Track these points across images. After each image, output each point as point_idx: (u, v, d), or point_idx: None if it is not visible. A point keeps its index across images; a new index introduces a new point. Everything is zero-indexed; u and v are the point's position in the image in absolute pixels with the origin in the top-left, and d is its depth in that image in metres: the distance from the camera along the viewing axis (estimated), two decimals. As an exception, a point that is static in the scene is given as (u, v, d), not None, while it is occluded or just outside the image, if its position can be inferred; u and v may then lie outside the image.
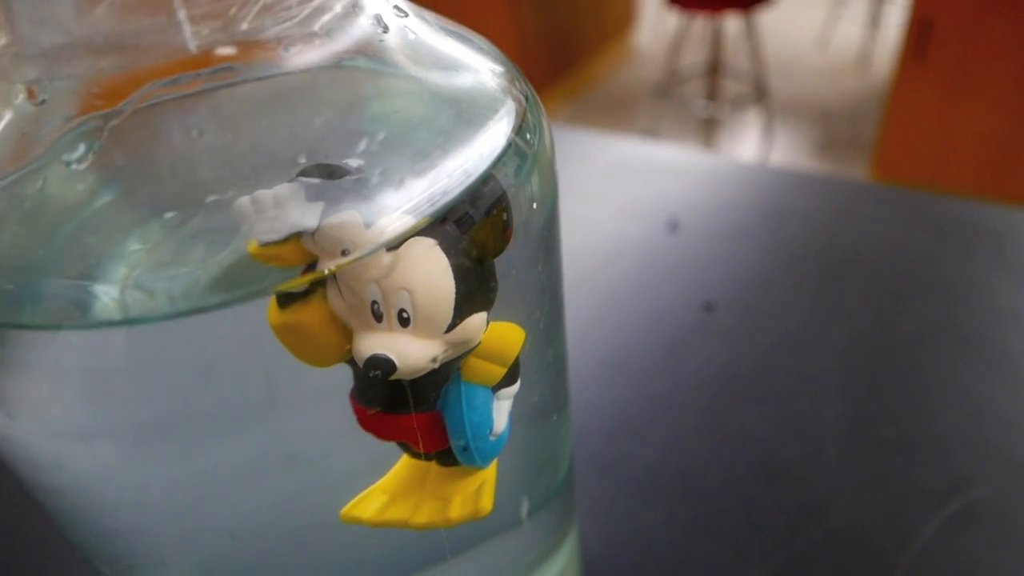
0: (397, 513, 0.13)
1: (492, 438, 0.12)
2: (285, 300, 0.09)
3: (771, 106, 2.14)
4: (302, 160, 0.10)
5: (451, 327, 0.10)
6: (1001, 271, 0.39)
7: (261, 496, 0.14)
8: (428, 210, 0.10)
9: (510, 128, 0.13)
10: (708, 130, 2.10)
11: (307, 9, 0.10)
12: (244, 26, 0.10)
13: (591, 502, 0.28)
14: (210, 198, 0.11)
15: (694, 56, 2.41)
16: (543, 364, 0.17)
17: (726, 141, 2.07)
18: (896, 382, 0.32)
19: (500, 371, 0.11)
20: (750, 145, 2.03)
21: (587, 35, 2.37)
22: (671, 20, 2.66)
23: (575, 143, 0.55)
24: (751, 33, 1.91)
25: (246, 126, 0.11)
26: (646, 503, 0.28)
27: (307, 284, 0.09)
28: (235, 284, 0.10)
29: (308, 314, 0.10)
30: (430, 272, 0.09)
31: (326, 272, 0.09)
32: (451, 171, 0.11)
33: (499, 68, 0.14)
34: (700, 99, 2.12)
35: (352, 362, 0.11)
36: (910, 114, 1.50)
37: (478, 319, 0.10)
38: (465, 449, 0.12)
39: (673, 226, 0.44)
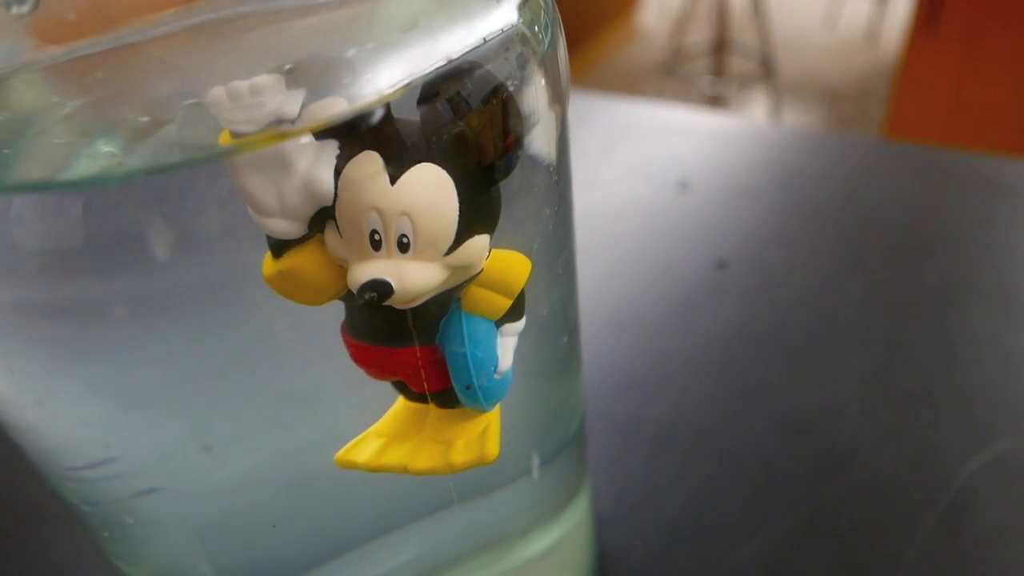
0: (394, 457, 0.12)
1: (497, 376, 0.11)
2: (279, 249, 0.09)
3: (778, 84, 2.11)
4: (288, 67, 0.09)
5: (452, 249, 0.09)
6: (1021, 225, 0.37)
7: (247, 417, 0.13)
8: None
9: (516, 12, 0.12)
10: (714, 108, 2.07)
11: None
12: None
13: (603, 460, 0.27)
14: (187, 101, 0.09)
15: (700, 34, 2.38)
16: (553, 294, 0.16)
17: (733, 120, 2.04)
18: (919, 336, 0.31)
19: (505, 302, 0.10)
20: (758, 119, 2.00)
21: (591, 14, 2.34)
22: (676, -2, 2.63)
23: (582, 106, 0.53)
24: (758, 10, 1.88)
25: (232, 42, 0.10)
26: (660, 461, 0.27)
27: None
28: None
29: (302, 259, 0.09)
30: (434, 193, 0.09)
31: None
32: (446, 50, 0.10)
33: None
34: (706, 77, 2.10)
35: (346, 297, 0.10)
36: (921, 88, 1.48)
37: (481, 241, 0.09)
38: (468, 388, 0.11)
39: (683, 186, 0.43)
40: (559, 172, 0.14)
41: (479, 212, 0.09)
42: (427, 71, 0.09)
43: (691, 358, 0.31)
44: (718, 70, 2.01)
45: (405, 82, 0.09)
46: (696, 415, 0.29)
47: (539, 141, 0.12)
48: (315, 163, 0.08)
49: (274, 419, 0.13)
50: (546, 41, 0.13)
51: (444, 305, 0.10)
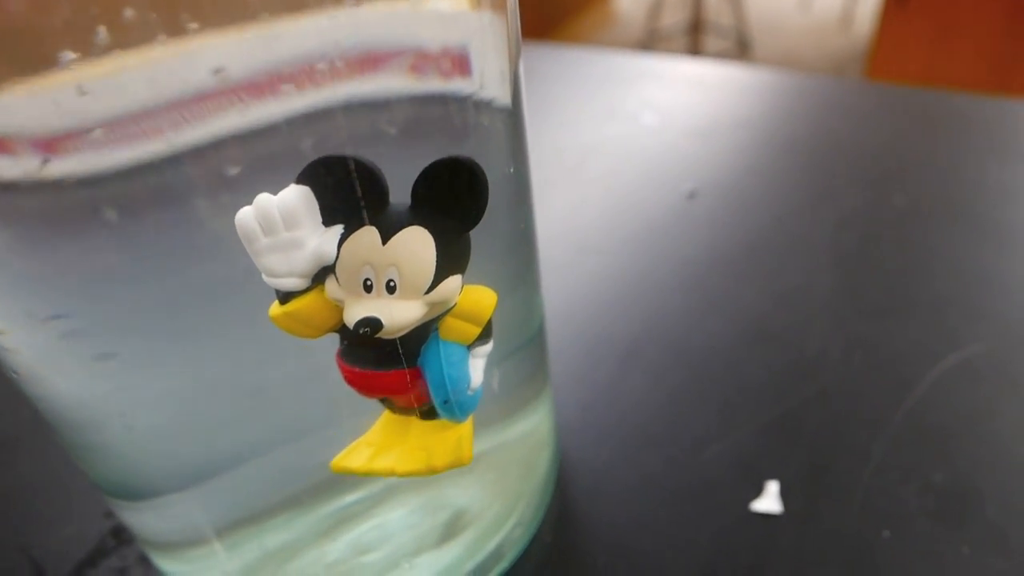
0: (383, 464, 0.13)
1: (470, 392, 0.13)
2: (285, 298, 0.11)
3: (753, 64, 2.11)
4: None
5: (431, 289, 0.11)
6: (992, 153, 0.37)
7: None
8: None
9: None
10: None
11: None
12: None
13: (570, 374, 0.26)
14: None
15: (675, 16, 2.38)
16: (509, 209, 0.16)
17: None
18: (889, 255, 0.31)
19: (475, 330, 0.12)
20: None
21: (567, 1, 2.33)
22: (652, -18, 2.62)
23: (557, 57, 0.53)
24: (733, -11, 1.89)
25: None
26: (629, 372, 0.26)
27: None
28: None
29: (305, 303, 0.11)
30: (417, 249, 0.11)
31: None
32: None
33: None
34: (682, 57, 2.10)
35: (342, 330, 0.12)
36: (893, 62, 1.49)
37: (454, 281, 0.11)
38: (446, 403, 0.13)
39: (655, 125, 0.43)
40: (515, 113, 0.15)
41: (453, 257, 0.11)
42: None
43: (661, 279, 0.31)
44: (694, 49, 2.01)
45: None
46: (665, 330, 0.28)
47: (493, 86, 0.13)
48: (324, 242, 0.11)
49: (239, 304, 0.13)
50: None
51: (424, 334, 0.12)
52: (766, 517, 0.21)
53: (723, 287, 0.30)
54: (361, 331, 0.11)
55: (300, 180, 0.10)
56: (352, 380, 0.12)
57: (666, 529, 0.21)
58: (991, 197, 0.34)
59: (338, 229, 0.11)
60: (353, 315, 0.11)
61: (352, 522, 0.18)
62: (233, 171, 0.11)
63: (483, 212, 0.12)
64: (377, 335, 0.11)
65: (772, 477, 0.22)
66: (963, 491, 0.21)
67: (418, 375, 0.12)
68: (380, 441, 0.14)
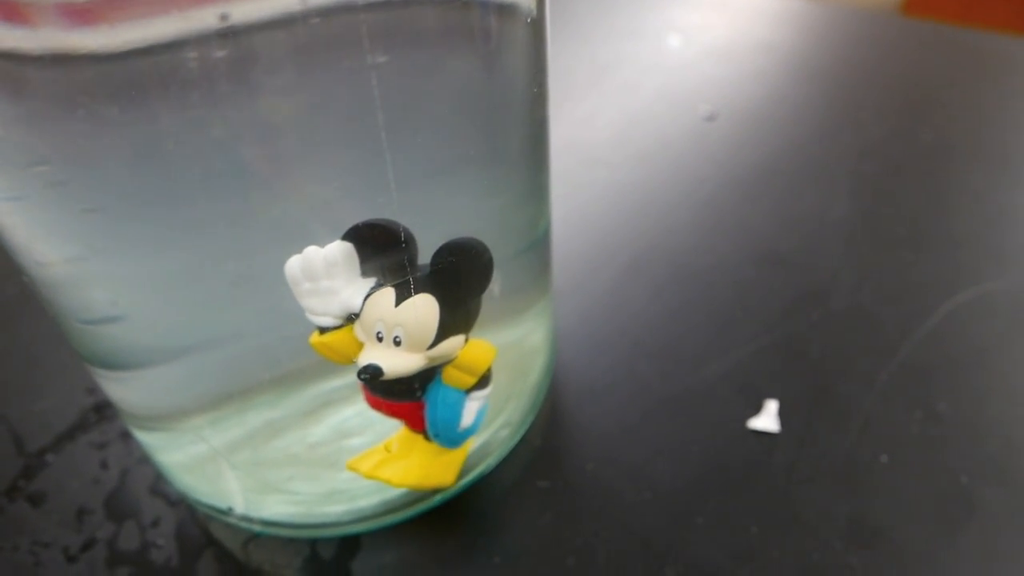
0: (384, 473, 0.15)
1: (459, 430, 0.15)
2: (324, 331, 0.13)
3: None
4: None
5: (432, 346, 0.13)
6: (1022, 94, 0.35)
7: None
8: None
9: None
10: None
11: None
12: None
13: (572, 284, 0.26)
14: None
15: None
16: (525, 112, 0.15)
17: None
18: (910, 187, 0.30)
19: (471, 380, 0.14)
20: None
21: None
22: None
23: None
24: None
25: None
26: (631, 284, 0.26)
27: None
28: None
29: (338, 337, 0.13)
30: (421, 314, 0.13)
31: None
32: None
33: None
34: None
35: None
36: None
37: (455, 341, 0.13)
38: (436, 435, 0.15)
39: (677, 44, 0.41)
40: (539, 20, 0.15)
41: (456, 321, 0.13)
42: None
43: (670, 197, 0.30)
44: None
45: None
46: (671, 247, 0.27)
47: None
48: (352, 294, 0.13)
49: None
50: None
51: (431, 375, 0.14)
52: (762, 435, 0.20)
53: (734, 208, 0.29)
54: (361, 376, 0.13)
55: (345, 237, 0.12)
56: (371, 403, 0.15)
57: (657, 441, 0.20)
58: (1019, 136, 0.32)
59: (368, 283, 0.13)
60: (362, 359, 0.13)
61: (336, 406, 0.17)
62: (239, 60, 0.10)
63: (485, 287, 0.14)
64: (381, 378, 0.13)
65: (772, 397, 0.21)
66: (967, 422, 0.21)
67: (422, 407, 0.15)
68: (391, 450, 0.16)
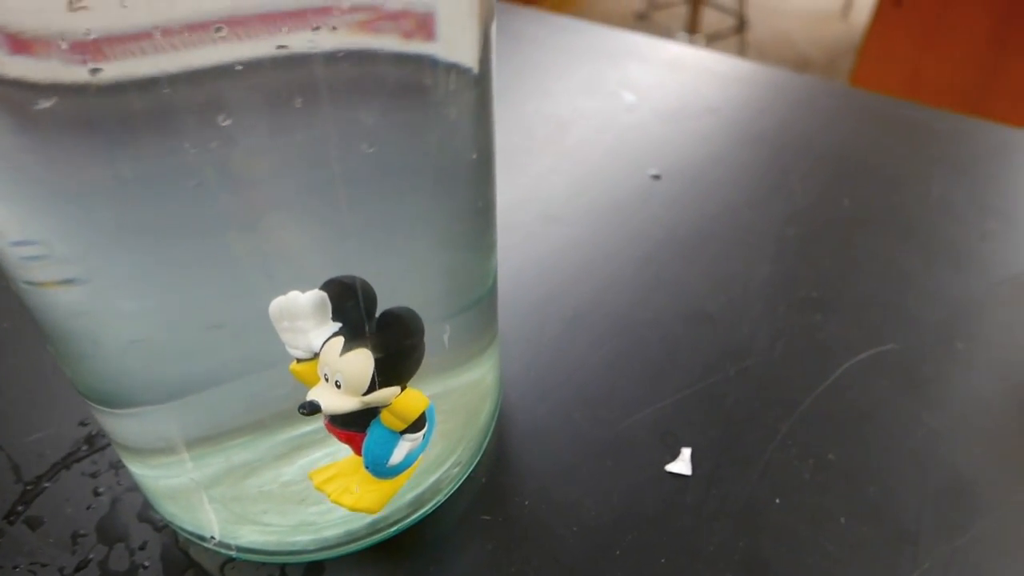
0: (328, 488, 0.18)
1: (388, 466, 0.17)
2: (299, 362, 0.16)
3: (750, 44, 2.12)
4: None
5: (367, 393, 0.16)
6: (940, 166, 0.40)
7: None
8: None
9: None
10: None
11: None
12: None
13: (518, 332, 0.29)
14: None
15: (678, -14, 2.37)
16: (468, 176, 0.18)
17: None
18: (827, 253, 0.34)
19: (402, 425, 0.17)
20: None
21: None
22: (659, -53, 2.58)
23: (546, 24, 0.54)
24: (737, -35, 1.88)
25: None
26: (574, 335, 0.29)
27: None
28: None
29: (308, 368, 0.16)
30: (357, 368, 0.15)
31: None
32: None
33: None
34: (680, 30, 2.09)
35: None
36: (882, 60, 1.50)
37: (390, 391, 0.16)
38: (367, 466, 0.17)
39: (631, 103, 0.44)
40: (482, 82, 0.17)
41: (390, 375, 0.16)
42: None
43: (615, 252, 0.33)
44: (691, 25, 2.00)
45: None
46: (611, 301, 0.30)
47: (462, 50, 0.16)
48: (316, 336, 0.15)
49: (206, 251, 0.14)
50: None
51: (372, 414, 0.17)
52: (676, 477, 0.24)
53: (671, 266, 0.32)
54: (300, 411, 0.15)
55: (322, 287, 0.15)
56: (328, 428, 0.17)
57: (588, 480, 0.23)
58: (931, 211, 0.36)
59: (332, 328, 0.15)
60: (309, 395, 0.16)
61: (306, 449, 0.20)
62: (208, 108, 0.12)
63: (415, 353, 0.16)
64: (316, 414, 0.16)
65: (687, 444, 0.25)
66: (851, 469, 0.24)
67: (362, 439, 0.17)
68: (341, 468, 0.18)
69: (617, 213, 0.35)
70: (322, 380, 0.16)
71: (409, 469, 0.18)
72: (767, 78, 0.48)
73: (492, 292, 0.23)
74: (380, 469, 0.17)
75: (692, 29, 2.00)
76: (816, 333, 0.29)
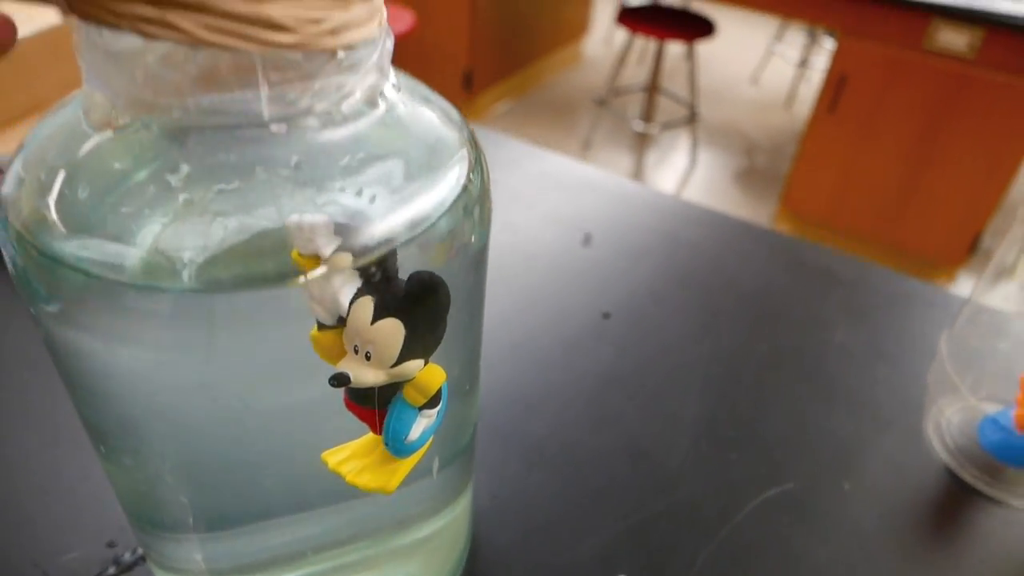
0: (343, 469, 0.18)
1: (406, 442, 0.18)
2: (321, 327, 0.16)
3: (699, 132, 2.26)
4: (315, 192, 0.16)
5: (395, 365, 0.16)
6: (844, 313, 0.47)
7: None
8: (407, 234, 0.16)
9: (463, 173, 0.18)
10: (640, 144, 2.20)
11: (337, 94, 0.15)
12: (300, 104, 0.15)
13: (487, 464, 0.34)
14: (219, 186, 0.15)
15: (637, 69, 2.52)
16: (462, 353, 0.23)
17: (655, 157, 2.17)
18: (743, 393, 0.40)
19: (422, 400, 0.17)
20: (677, 163, 2.14)
21: (540, 39, 2.42)
22: (620, 33, 2.75)
23: (512, 151, 0.60)
24: (691, 61, 2.02)
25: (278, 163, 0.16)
26: (531, 468, 0.34)
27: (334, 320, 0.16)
28: (247, 266, 0.15)
29: (330, 335, 0.16)
30: (389, 337, 0.16)
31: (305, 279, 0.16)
32: (422, 204, 0.17)
33: (459, 130, 0.19)
34: (636, 117, 2.22)
35: None
36: (818, 159, 1.64)
37: (415, 364, 0.17)
38: (386, 443, 0.18)
39: (587, 238, 0.51)
40: (478, 270, 0.21)
41: (416, 347, 0.16)
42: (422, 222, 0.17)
43: (568, 389, 0.39)
44: (647, 111, 2.13)
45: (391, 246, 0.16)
46: (565, 437, 0.36)
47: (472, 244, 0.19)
48: (340, 294, 0.15)
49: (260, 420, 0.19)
50: (478, 183, 0.19)
51: (393, 390, 0.17)
52: (612, 601, 0.29)
53: (615, 404, 0.38)
54: (331, 382, 0.15)
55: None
56: (347, 406, 0.18)
57: (540, 603, 0.29)
58: (833, 356, 0.43)
59: (355, 284, 0.15)
60: (339, 365, 0.16)
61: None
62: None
63: (443, 318, 0.16)
64: (350, 385, 0.16)
65: (623, 570, 0.30)
66: (752, 597, 0.30)
67: (383, 416, 0.17)
68: (356, 449, 0.19)
69: (572, 352, 0.41)
70: (350, 352, 0.16)
71: (422, 448, 0.19)
72: (705, 218, 0.55)
73: (474, 437, 0.28)
74: (399, 445, 0.18)
75: (647, 118, 2.13)
76: (731, 470, 0.35)
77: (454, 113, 0.20)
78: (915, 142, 1.51)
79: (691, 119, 2.11)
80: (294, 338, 0.16)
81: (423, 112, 0.19)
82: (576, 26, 2.62)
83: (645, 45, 2.64)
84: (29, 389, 0.35)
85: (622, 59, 2.06)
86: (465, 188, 0.18)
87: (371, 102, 0.17)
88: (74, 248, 0.15)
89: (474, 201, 0.19)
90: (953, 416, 0.39)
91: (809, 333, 0.45)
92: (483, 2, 1.99)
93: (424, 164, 0.18)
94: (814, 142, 1.62)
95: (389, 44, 0.16)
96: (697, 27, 1.87)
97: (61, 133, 0.17)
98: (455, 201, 0.18)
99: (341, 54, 0.15)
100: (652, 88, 2.05)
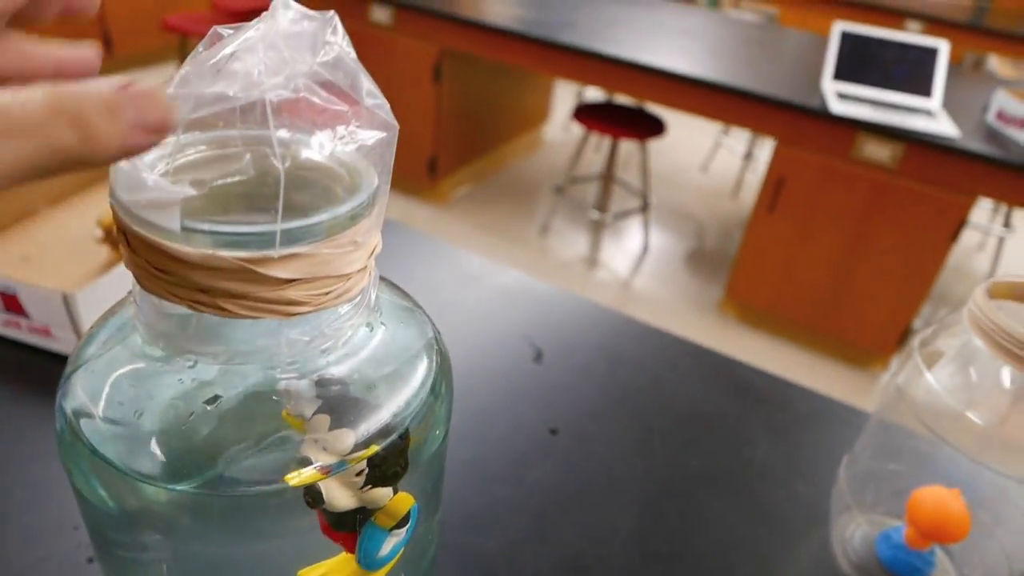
0: None
1: (377, 558, 0.21)
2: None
3: (652, 216, 2.37)
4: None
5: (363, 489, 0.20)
6: (766, 431, 0.52)
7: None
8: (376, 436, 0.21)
9: (430, 382, 0.23)
10: (596, 229, 2.30)
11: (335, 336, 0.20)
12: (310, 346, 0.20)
13: (443, 580, 0.38)
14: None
15: (595, 156, 2.65)
16: (428, 496, 0.27)
17: (609, 240, 2.27)
18: (675, 509, 0.45)
19: (391, 523, 0.21)
20: (631, 247, 2.24)
21: (502, 126, 2.54)
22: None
23: (474, 266, 0.66)
24: (643, 154, 2.14)
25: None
26: (483, 584, 0.38)
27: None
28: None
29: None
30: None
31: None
32: (393, 406, 0.22)
33: (430, 331, 0.24)
34: (592, 206, 2.33)
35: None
36: (760, 253, 1.74)
37: (383, 492, 0.20)
38: (359, 560, 0.21)
39: (539, 354, 0.56)
40: (441, 449, 0.26)
41: (383, 483, 0.20)
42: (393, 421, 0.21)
43: (519, 506, 0.43)
44: (602, 200, 2.24)
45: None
46: (513, 552, 0.40)
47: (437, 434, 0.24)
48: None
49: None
50: (442, 388, 0.25)
51: (366, 515, 0.21)
52: None
53: (558, 521, 0.42)
54: (305, 499, 0.19)
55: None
56: (323, 530, 0.21)
57: None
58: (755, 473, 0.48)
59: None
60: (316, 488, 0.19)
61: None
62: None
63: (403, 465, 0.21)
64: (321, 507, 0.19)
65: None
66: None
67: (355, 538, 0.20)
68: (331, 566, 0.21)
69: (522, 468, 0.46)
70: (328, 479, 0.19)
71: (391, 562, 0.22)
72: (646, 335, 0.61)
73: (436, 556, 0.32)
74: (371, 561, 0.21)
75: (602, 207, 2.24)
76: (661, 584, 0.40)
77: (428, 328, 0.25)
78: (847, 241, 1.62)
79: (643, 208, 2.22)
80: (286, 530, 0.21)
81: (399, 329, 0.24)
82: (537, 114, 2.76)
83: (601, 135, 2.79)
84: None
85: (579, 150, 2.18)
86: (432, 389, 0.23)
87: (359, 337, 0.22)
88: (108, 443, 0.19)
89: (440, 397, 0.24)
90: (856, 531, 0.44)
91: (735, 450, 0.50)
92: (448, 91, 2.10)
93: (395, 371, 0.23)
94: (756, 238, 1.73)
95: (374, 295, 0.21)
96: (649, 126, 1.99)
97: (114, 340, 0.21)
98: (423, 401, 0.23)
99: (343, 308, 0.20)
100: (607, 178, 2.17)
